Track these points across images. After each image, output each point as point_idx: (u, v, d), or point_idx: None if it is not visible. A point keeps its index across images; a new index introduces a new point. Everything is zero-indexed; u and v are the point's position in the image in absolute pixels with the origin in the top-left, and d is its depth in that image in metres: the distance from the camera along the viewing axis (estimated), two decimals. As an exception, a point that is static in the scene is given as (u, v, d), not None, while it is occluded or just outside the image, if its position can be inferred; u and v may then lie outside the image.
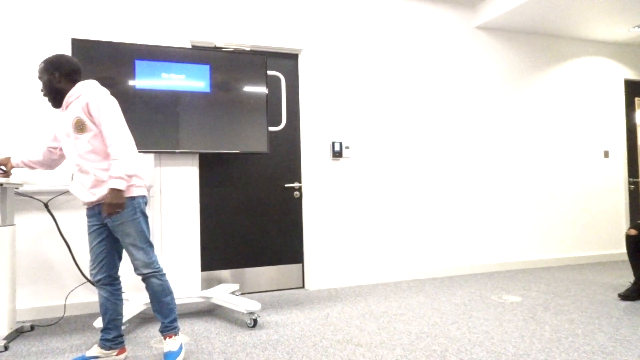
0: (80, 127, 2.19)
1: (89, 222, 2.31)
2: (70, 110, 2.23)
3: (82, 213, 3.40)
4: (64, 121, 2.25)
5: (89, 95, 2.20)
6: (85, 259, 3.40)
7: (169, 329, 2.36)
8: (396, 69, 4.42)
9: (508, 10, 4.38)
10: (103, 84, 2.96)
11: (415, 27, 4.53)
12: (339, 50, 4.20)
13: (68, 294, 3.36)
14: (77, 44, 2.92)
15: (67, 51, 3.33)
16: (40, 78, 2.26)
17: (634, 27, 4.92)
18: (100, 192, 2.22)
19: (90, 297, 3.41)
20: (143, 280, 2.31)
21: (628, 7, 4.37)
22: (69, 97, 2.24)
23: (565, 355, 2.39)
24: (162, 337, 2.47)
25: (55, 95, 2.26)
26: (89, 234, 2.31)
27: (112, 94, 2.96)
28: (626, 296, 3.49)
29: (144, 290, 3.53)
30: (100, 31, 3.47)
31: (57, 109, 2.44)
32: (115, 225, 2.25)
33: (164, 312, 2.35)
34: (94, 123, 2.20)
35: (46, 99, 2.30)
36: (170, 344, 2.34)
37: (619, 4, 4.31)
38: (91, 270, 2.31)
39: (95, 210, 2.29)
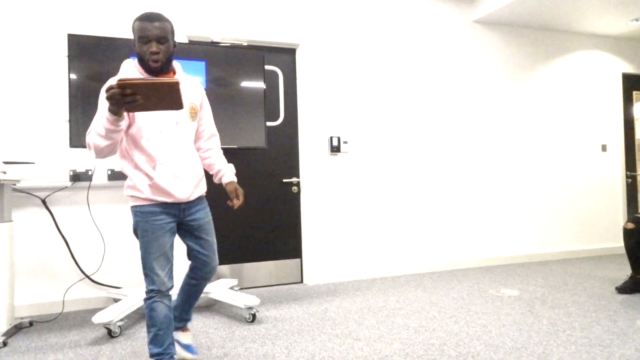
0: (193, 114, 2.04)
1: (160, 220, 1.94)
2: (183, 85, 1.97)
3: (80, 208, 3.40)
4: None
5: (197, 81, 2.09)
6: (82, 255, 3.40)
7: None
8: (394, 64, 4.41)
9: (506, 4, 4.37)
10: (99, 79, 2.95)
11: (413, 21, 4.51)
12: (337, 45, 4.19)
13: (67, 290, 3.36)
14: (73, 39, 2.90)
15: (63, 47, 3.31)
16: (163, 37, 1.83)
17: (632, 21, 4.91)
18: (203, 186, 2.12)
19: (88, 293, 3.42)
20: (203, 280, 2.18)
21: (625, 1, 4.36)
22: (178, 75, 1.99)
23: (562, 348, 2.40)
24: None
25: (166, 64, 1.89)
26: (162, 234, 1.94)
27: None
28: (623, 289, 3.50)
29: (142, 285, 3.53)
30: (97, 26, 3.45)
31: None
32: (208, 221, 2.14)
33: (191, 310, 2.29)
34: (197, 113, 2.08)
35: (156, 65, 1.85)
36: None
37: (616, -2, 4.30)
38: (164, 277, 1.93)
39: (177, 208, 2.00)
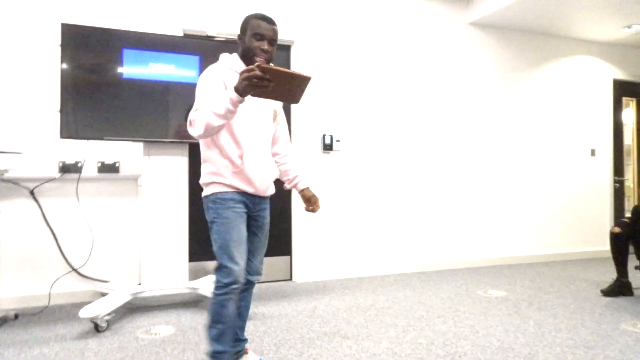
0: (274, 117, 2.08)
1: (239, 208, 1.93)
2: None
3: (69, 200, 3.36)
4: (260, 101, 1.98)
5: None
6: (70, 248, 3.36)
7: None
8: (388, 63, 4.42)
9: (501, 7, 4.39)
10: (92, 70, 2.91)
11: (409, 21, 4.52)
12: (332, 43, 4.18)
13: (53, 283, 3.32)
14: (66, 29, 2.86)
15: (56, 37, 3.27)
16: (274, 40, 1.95)
17: (624, 28, 4.97)
18: (273, 186, 2.11)
19: (76, 286, 3.38)
20: (250, 284, 2.11)
21: (618, 8, 4.40)
22: None
23: (548, 349, 2.43)
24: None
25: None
26: (241, 222, 1.93)
27: (100, 81, 2.93)
28: (608, 292, 3.55)
29: (130, 279, 3.51)
30: (92, 17, 3.40)
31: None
32: (268, 222, 2.12)
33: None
34: (277, 117, 2.11)
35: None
36: None
37: (609, 5, 4.34)
38: (243, 268, 1.90)
39: (252, 201, 2.00)
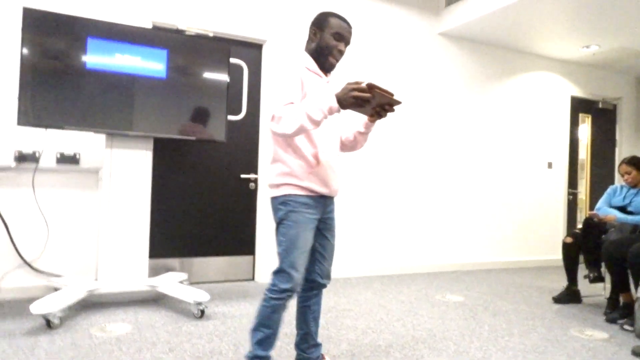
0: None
1: (311, 214, 1.86)
2: (332, 85, 1.99)
3: (24, 191, 3.22)
4: (326, 89, 1.92)
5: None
6: (23, 240, 3.22)
7: None
8: (358, 67, 4.46)
9: (469, 20, 4.52)
10: (53, 57, 2.81)
11: (380, 27, 4.58)
12: (303, 44, 4.18)
13: (3, 276, 3.18)
14: (28, 13, 2.75)
15: (17, 21, 3.13)
16: (349, 43, 1.96)
17: (583, 47, 5.20)
18: None
19: (28, 281, 3.24)
20: (321, 288, 2.07)
21: (579, 28, 4.61)
22: (331, 78, 2.02)
23: (501, 353, 2.51)
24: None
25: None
26: (311, 229, 1.87)
27: (62, 69, 2.83)
28: (559, 299, 3.71)
29: (85, 274, 3.40)
30: (57, 3, 3.28)
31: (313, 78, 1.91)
32: (335, 222, 2.05)
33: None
34: None
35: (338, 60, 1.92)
36: None
37: (570, 25, 4.54)
38: (302, 276, 1.86)
39: (323, 203, 1.93)
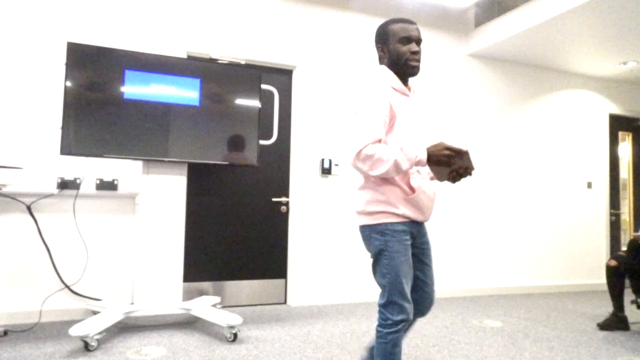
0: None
1: (408, 241, 1.79)
2: (416, 98, 1.91)
3: (65, 217, 3.35)
4: (413, 108, 1.86)
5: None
6: (64, 264, 3.34)
7: None
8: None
9: (499, 40, 4.49)
10: (95, 89, 2.95)
11: (409, 51, 4.60)
12: (332, 69, 4.25)
13: (45, 300, 3.29)
14: (72, 47, 2.91)
15: (61, 55, 3.32)
16: (420, 40, 1.86)
17: (620, 64, 5.07)
18: None
19: (68, 304, 3.34)
20: (417, 318, 1.94)
21: (614, 44, 4.51)
22: (412, 89, 1.92)
23: (543, 382, 2.40)
24: None
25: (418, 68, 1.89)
26: (410, 257, 1.80)
27: (101, 100, 2.96)
28: (605, 326, 3.52)
29: (123, 298, 3.47)
30: (99, 37, 3.47)
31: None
32: (430, 245, 1.96)
33: None
34: None
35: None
36: None
37: (605, 42, 4.44)
38: (410, 304, 1.77)
39: (416, 229, 1.85)
